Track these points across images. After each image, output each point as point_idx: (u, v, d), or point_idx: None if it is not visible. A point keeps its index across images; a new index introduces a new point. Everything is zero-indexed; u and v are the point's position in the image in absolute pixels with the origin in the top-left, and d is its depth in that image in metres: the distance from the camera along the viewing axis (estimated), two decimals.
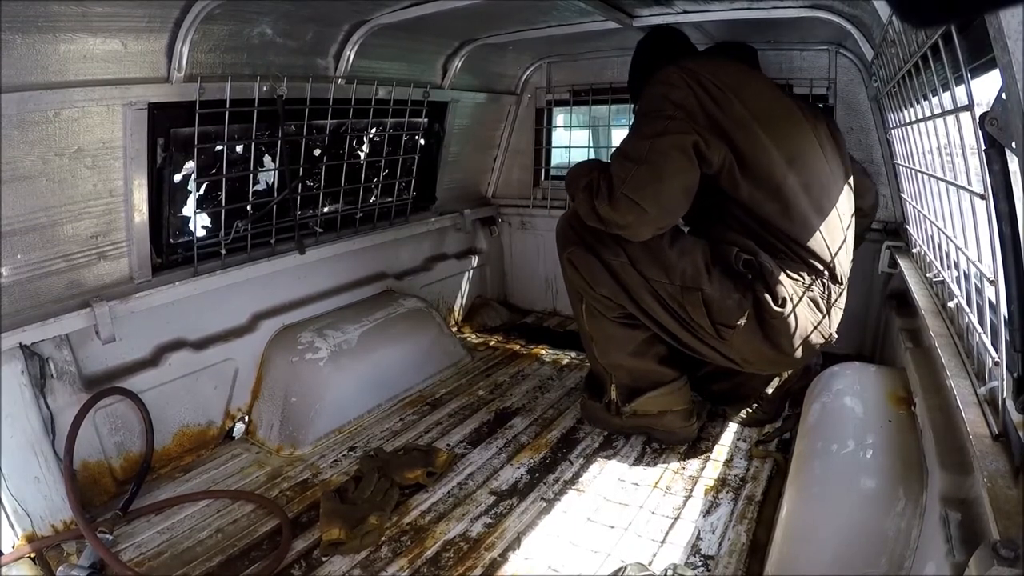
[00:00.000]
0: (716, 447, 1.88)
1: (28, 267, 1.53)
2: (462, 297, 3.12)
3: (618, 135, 3.03)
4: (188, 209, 1.89)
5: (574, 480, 1.74)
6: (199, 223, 1.95)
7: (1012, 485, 0.80)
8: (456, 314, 3.08)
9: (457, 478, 1.76)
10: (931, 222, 1.49)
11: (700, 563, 1.40)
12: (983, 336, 1.04)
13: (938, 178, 1.28)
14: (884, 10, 1.37)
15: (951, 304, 1.34)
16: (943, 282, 1.43)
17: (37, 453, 1.51)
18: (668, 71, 1.60)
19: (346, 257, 2.44)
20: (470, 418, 2.11)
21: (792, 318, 1.59)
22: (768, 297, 1.57)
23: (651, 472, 1.77)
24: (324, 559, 1.45)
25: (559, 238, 1.86)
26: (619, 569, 1.32)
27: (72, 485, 1.51)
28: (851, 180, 1.77)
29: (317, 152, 2.24)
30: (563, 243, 1.83)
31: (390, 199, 2.63)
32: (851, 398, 1.43)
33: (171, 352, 1.86)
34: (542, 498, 1.66)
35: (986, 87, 0.92)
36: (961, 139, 1.01)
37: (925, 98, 1.26)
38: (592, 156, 3.15)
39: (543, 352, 2.70)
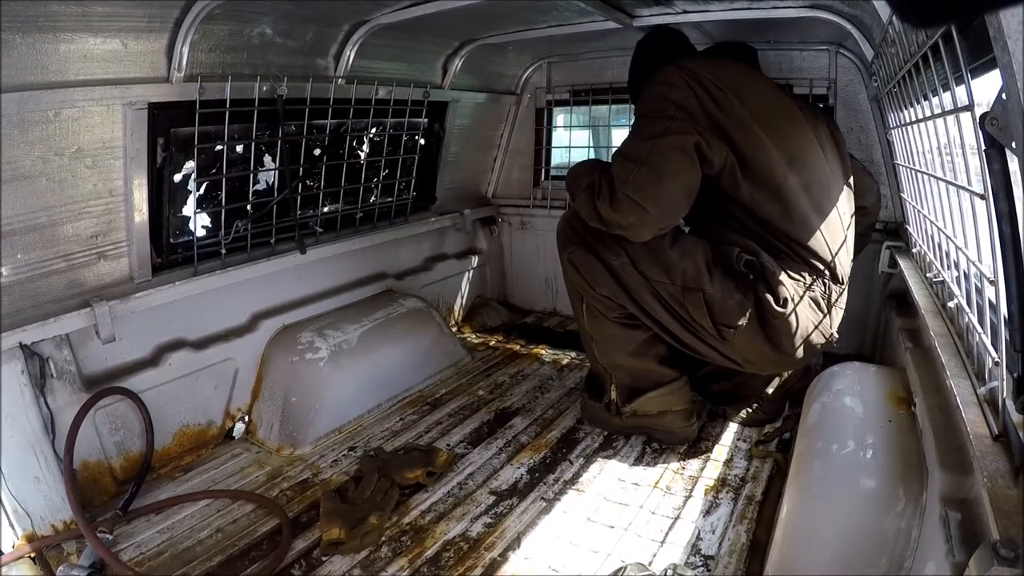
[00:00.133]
0: (716, 447, 1.88)
1: (28, 267, 1.53)
2: (462, 297, 3.12)
3: (618, 135, 3.03)
4: (188, 209, 1.89)
5: (574, 480, 1.74)
6: (199, 223, 1.96)
7: (1012, 485, 0.80)
8: (456, 314, 3.08)
9: (457, 478, 1.76)
10: (931, 222, 1.49)
11: (700, 563, 1.40)
12: (983, 336, 1.04)
13: (938, 178, 1.28)
14: (884, 10, 1.37)
15: (951, 304, 1.34)
16: (943, 282, 1.43)
17: (37, 453, 1.51)
18: (668, 71, 1.60)
19: (346, 257, 2.44)
20: (470, 418, 2.11)
21: (793, 318, 1.59)
22: (769, 297, 1.57)
23: (651, 472, 1.77)
24: (324, 559, 1.45)
25: (559, 238, 1.86)
26: (619, 569, 1.32)
27: (72, 485, 1.51)
28: (851, 180, 1.77)
29: (317, 152, 2.24)
30: (563, 243, 1.83)
31: (390, 199, 2.63)
32: (851, 398, 1.43)
33: (171, 352, 1.86)
34: (542, 498, 1.66)
35: (986, 87, 0.92)
36: (961, 139, 1.01)
37: (925, 98, 1.26)
38: (592, 156, 3.15)
39: (543, 352, 2.70)
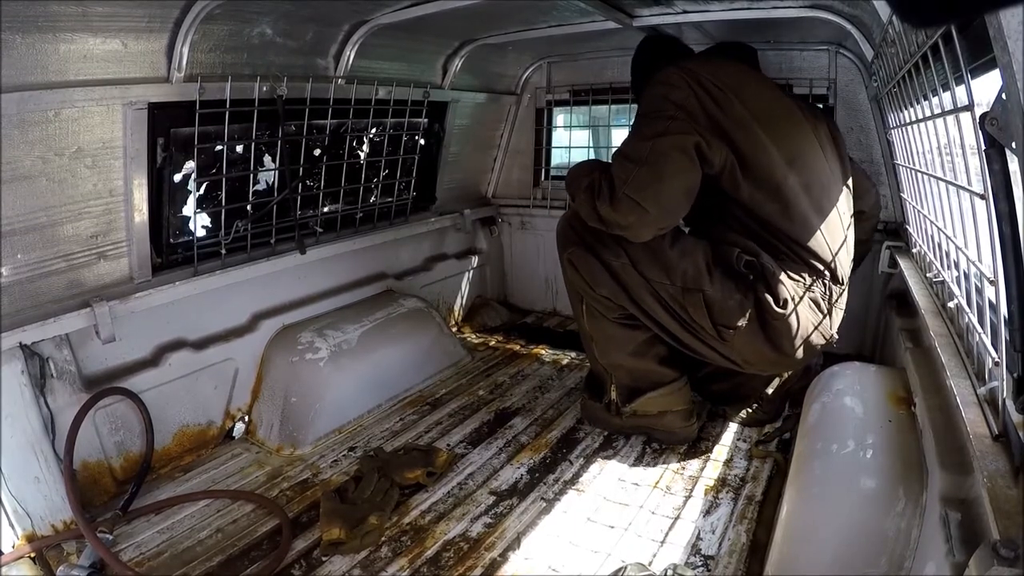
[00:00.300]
0: (716, 447, 1.88)
1: (28, 267, 1.53)
2: (462, 297, 3.12)
3: (618, 135, 3.03)
4: (188, 209, 1.89)
5: (574, 480, 1.74)
6: (199, 223, 1.96)
7: (1012, 485, 0.80)
8: (456, 314, 3.08)
9: (457, 478, 1.76)
10: (931, 222, 1.49)
11: (700, 563, 1.40)
12: (983, 336, 1.04)
13: (938, 178, 1.28)
14: (884, 10, 1.37)
15: (951, 304, 1.34)
16: (943, 282, 1.43)
17: (37, 453, 1.51)
18: (668, 72, 1.60)
19: (346, 257, 2.44)
20: (470, 418, 2.11)
21: (793, 319, 1.59)
22: (769, 298, 1.57)
23: (651, 472, 1.77)
24: (324, 559, 1.45)
25: (559, 238, 1.86)
26: (619, 569, 1.32)
27: (72, 485, 1.51)
28: (850, 181, 1.77)
29: (317, 152, 2.24)
30: (563, 243, 1.83)
31: (390, 199, 2.63)
32: (851, 398, 1.42)
33: (171, 352, 1.86)
34: (542, 498, 1.66)
35: (986, 87, 0.92)
36: (961, 139, 1.01)
37: (925, 98, 1.26)
38: (592, 156, 3.15)
39: (543, 352, 2.70)
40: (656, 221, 1.55)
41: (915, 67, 1.24)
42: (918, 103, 1.35)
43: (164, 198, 1.80)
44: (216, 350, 1.97)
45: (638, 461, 1.83)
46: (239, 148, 1.95)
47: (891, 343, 1.91)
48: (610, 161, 1.63)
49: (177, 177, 1.83)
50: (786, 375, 2.00)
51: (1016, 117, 0.70)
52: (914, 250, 1.90)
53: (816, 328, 1.65)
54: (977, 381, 1.05)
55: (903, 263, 1.87)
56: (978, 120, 0.82)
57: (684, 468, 1.78)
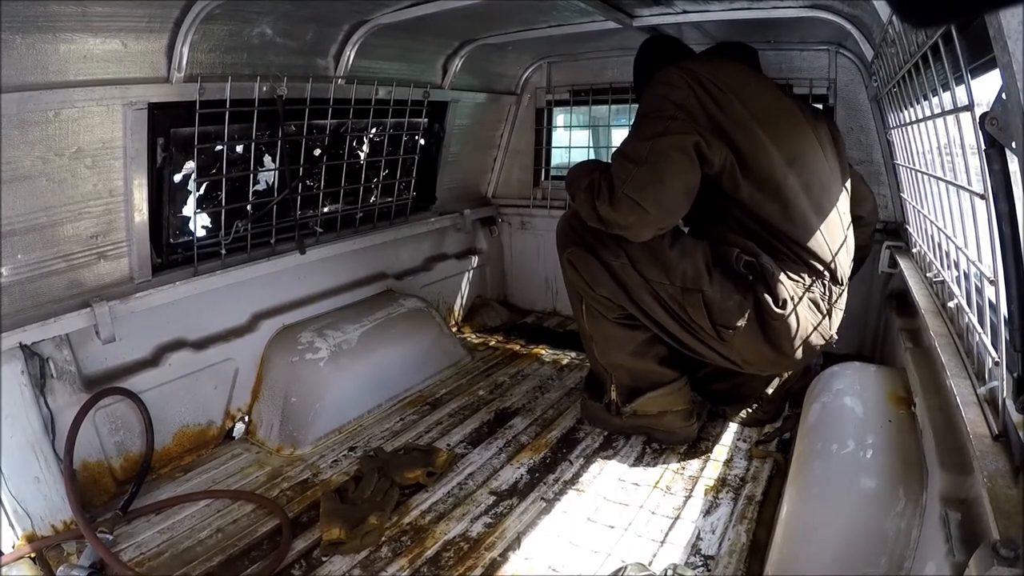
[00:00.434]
0: (716, 447, 1.88)
1: (28, 267, 1.53)
2: (462, 297, 3.12)
3: (618, 135, 3.03)
4: (188, 209, 1.89)
5: (574, 480, 1.74)
6: (199, 223, 1.96)
7: (1012, 485, 0.80)
8: (456, 314, 3.08)
9: (457, 478, 1.76)
10: (931, 222, 1.49)
11: (700, 563, 1.40)
12: (983, 336, 1.04)
13: (938, 178, 1.28)
14: (884, 10, 1.37)
15: (951, 304, 1.34)
16: (943, 282, 1.43)
17: (37, 453, 1.51)
18: (669, 72, 1.60)
19: (346, 257, 2.44)
20: (470, 418, 2.11)
21: (793, 319, 1.59)
22: (769, 298, 1.57)
23: (651, 472, 1.77)
24: (324, 559, 1.45)
25: (559, 238, 1.86)
26: (619, 569, 1.32)
27: (72, 485, 1.51)
28: (850, 183, 1.77)
29: (317, 152, 2.24)
30: (563, 243, 1.83)
31: (390, 199, 2.63)
32: (851, 398, 1.42)
33: (171, 352, 1.86)
34: (542, 498, 1.66)
35: (986, 87, 0.92)
36: (961, 139, 1.01)
37: (925, 98, 1.26)
38: (592, 156, 3.15)
39: (543, 352, 2.70)
40: (656, 221, 1.55)
41: (915, 67, 1.24)
42: (918, 103, 1.35)
43: (164, 198, 1.80)
44: (216, 350, 1.97)
45: (638, 461, 1.83)
46: (239, 148, 1.95)
47: (891, 343, 1.91)
48: (610, 161, 1.63)
49: (177, 177, 1.83)
50: (786, 375, 2.00)
51: (1016, 117, 0.70)
52: (914, 250, 1.90)
53: (815, 328, 1.65)
54: (977, 381, 1.05)
55: (903, 263, 1.87)
56: (978, 120, 0.82)
57: (684, 468, 1.78)
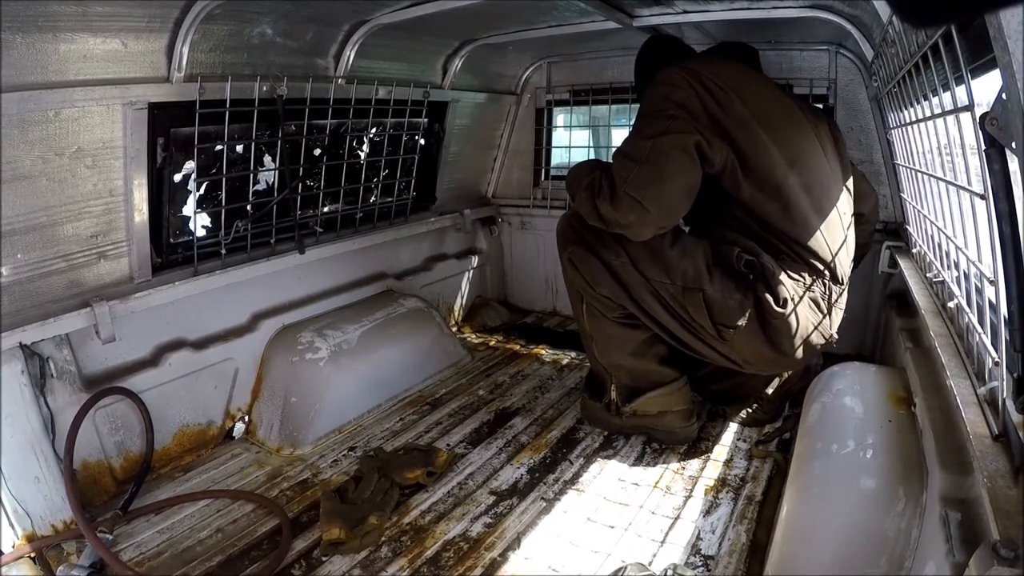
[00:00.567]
0: (716, 447, 1.88)
1: (28, 267, 1.53)
2: (462, 297, 3.12)
3: (618, 135, 3.03)
4: (188, 209, 1.89)
5: (574, 480, 1.74)
6: (199, 223, 1.96)
7: (1012, 485, 0.80)
8: (456, 314, 3.08)
9: (457, 478, 1.76)
10: (931, 222, 1.49)
11: (700, 563, 1.40)
12: (983, 336, 1.04)
13: (938, 178, 1.28)
14: (884, 10, 1.37)
15: (951, 304, 1.34)
16: (943, 282, 1.43)
17: (37, 453, 1.51)
18: (670, 71, 1.60)
19: (346, 257, 2.44)
20: (470, 418, 2.11)
21: (793, 318, 1.59)
22: (769, 297, 1.57)
23: (651, 472, 1.77)
24: (324, 559, 1.45)
25: (559, 238, 1.86)
26: (619, 569, 1.32)
27: (72, 485, 1.51)
28: (851, 182, 1.77)
29: (317, 152, 2.24)
30: (563, 243, 1.83)
31: (390, 199, 2.63)
32: (851, 398, 1.42)
33: (171, 352, 1.86)
34: (542, 498, 1.66)
35: (986, 87, 0.92)
36: (961, 139, 1.01)
37: (925, 98, 1.26)
38: (592, 156, 3.15)
39: (543, 352, 2.70)
40: (657, 220, 1.55)
41: (915, 67, 1.24)
42: (918, 103, 1.35)
43: (164, 198, 1.79)
44: (216, 350, 1.97)
45: (638, 461, 1.83)
46: (239, 148, 1.95)
47: (891, 343, 1.91)
48: (610, 161, 1.63)
49: (177, 177, 1.83)
50: (786, 375, 2.00)
51: (1016, 117, 0.70)
52: (914, 250, 1.90)
53: (816, 328, 1.65)
54: (977, 381, 1.05)
55: (903, 263, 1.87)
56: (978, 120, 0.82)
57: (684, 468, 1.78)
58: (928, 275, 1.65)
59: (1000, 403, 0.92)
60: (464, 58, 2.52)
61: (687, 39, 2.20)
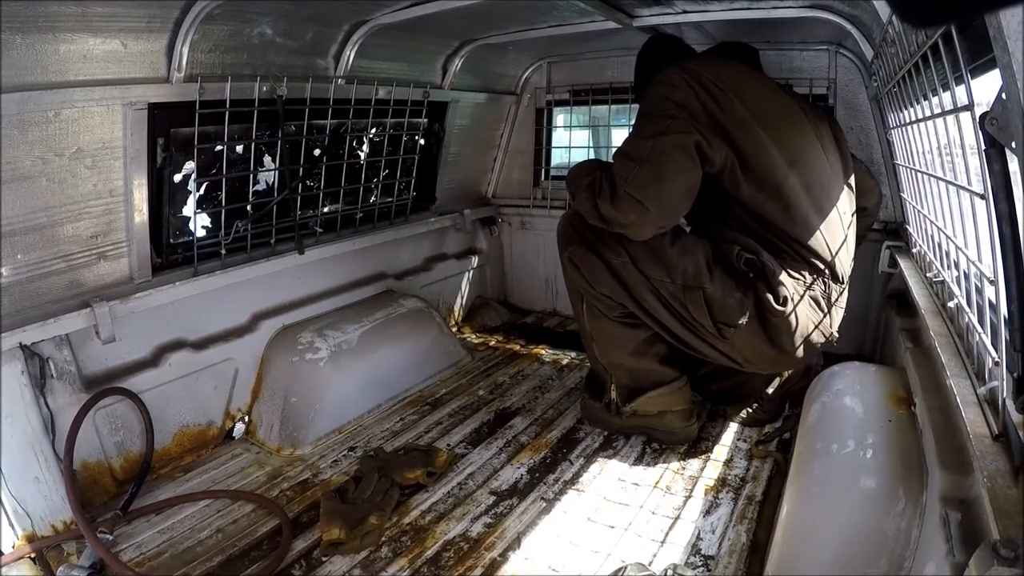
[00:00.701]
0: (716, 447, 1.88)
1: (28, 267, 1.53)
2: (462, 297, 3.12)
3: (618, 135, 3.03)
4: (188, 209, 1.89)
5: (574, 480, 1.74)
6: (199, 223, 1.96)
7: (1012, 485, 0.80)
8: (456, 314, 3.08)
9: (457, 478, 1.76)
10: (931, 222, 1.49)
11: (700, 563, 1.40)
12: (983, 336, 1.04)
13: (938, 178, 1.28)
14: (884, 10, 1.37)
15: (951, 304, 1.34)
16: (943, 282, 1.43)
17: (37, 453, 1.51)
18: (670, 72, 1.60)
19: (346, 257, 2.44)
20: (470, 418, 2.11)
21: (793, 317, 1.59)
22: (769, 296, 1.57)
23: (651, 472, 1.77)
24: (324, 559, 1.45)
25: (560, 237, 1.86)
26: (619, 569, 1.32)
27: (72, 485, 1.51)
28: (852, 180, 1.77)
29: (317, 152, 2.24)
30: (564, 242, 1.83)
31: (390, 199, 2.63)
32: (851, 398, 1.42)
33: (171, 352, 1.86)
34: (542, 498, 1.66)
35: (986, 87, 0.92)
36: (961, 139, 1.01)
37: (925, 98, 1.26)
38: (592, 156, 3.15)
39: (543, 352, 2.70)
40: (657, 220, 1.55)
41: (915, 67, 1.24)
42: (918, 103, 1.35)
43: (164, 198, 1.80)
44: (216, 350, 1.97)
45: (638, 461, 1.83)
46: (239, 148, 1.95)
47: (891, 343, 1.91)
48: (611, 160, 1.64)
49: (177, 177, 1.83)
50: (786, 375, 2.00)
51: (1016, 117, 0.70)
52: (914, 250, 1.90)
53: (816, 326, 1.65)
54: (977, 381, 1.05)
55: (903, 263, 1.87)
56: (978, 120, 0.82)
57: (684, 468, 1.78)
58: (928, 275, 1.65)
59: (1000, 403, 0.92)
60: (464, 58, 2.52)
61: (687, 39, 2.20)
